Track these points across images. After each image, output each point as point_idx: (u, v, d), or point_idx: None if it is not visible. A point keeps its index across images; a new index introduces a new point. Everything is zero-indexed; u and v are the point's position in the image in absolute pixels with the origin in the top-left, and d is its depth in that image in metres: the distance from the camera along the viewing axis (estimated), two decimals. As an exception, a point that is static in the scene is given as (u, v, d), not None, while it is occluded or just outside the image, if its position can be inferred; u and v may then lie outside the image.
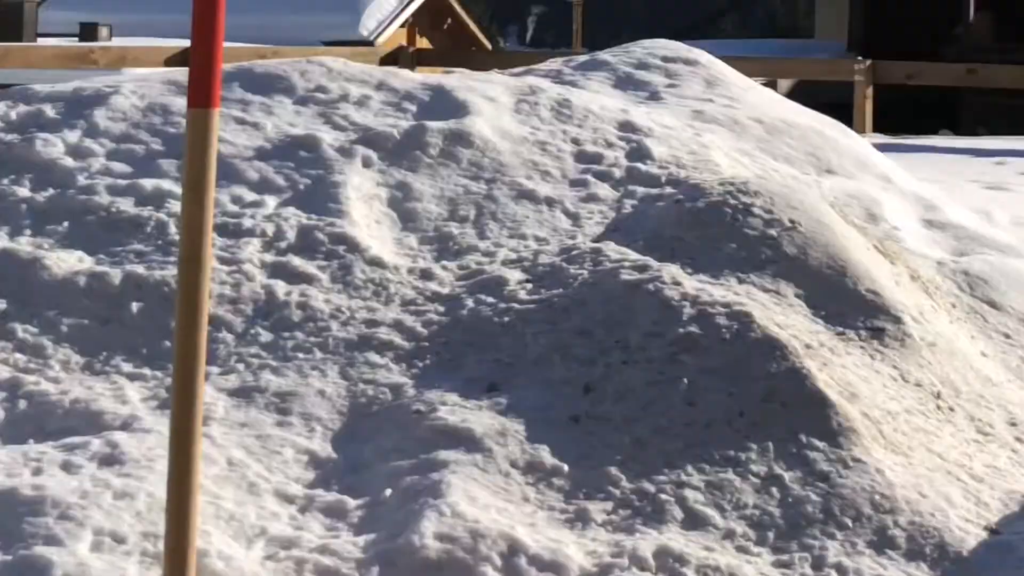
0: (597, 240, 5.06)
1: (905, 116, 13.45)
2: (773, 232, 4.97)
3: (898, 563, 3.78)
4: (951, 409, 4.47)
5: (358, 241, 5.00)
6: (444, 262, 4.98)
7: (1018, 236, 6.22)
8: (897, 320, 4.71)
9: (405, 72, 6.30)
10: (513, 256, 5.00)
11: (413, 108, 5.89)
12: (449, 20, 33.50)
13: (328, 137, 5.55)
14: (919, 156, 9.15)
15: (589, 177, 5.54)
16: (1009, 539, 3.86)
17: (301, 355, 4.53)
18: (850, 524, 3.89)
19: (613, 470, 4.06)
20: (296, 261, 4.90)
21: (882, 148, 7.19)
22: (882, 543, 3.84)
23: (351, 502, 3.95)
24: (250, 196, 5.24)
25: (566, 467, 4.07)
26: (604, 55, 7.36)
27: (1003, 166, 9.07)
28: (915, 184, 6.44)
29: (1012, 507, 4.01)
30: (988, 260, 5.50)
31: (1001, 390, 4.70)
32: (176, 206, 5.02)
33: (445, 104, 5.89)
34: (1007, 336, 5.11)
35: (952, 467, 4.16)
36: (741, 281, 4.79)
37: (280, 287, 4.78)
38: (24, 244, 4.95)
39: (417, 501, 3.86)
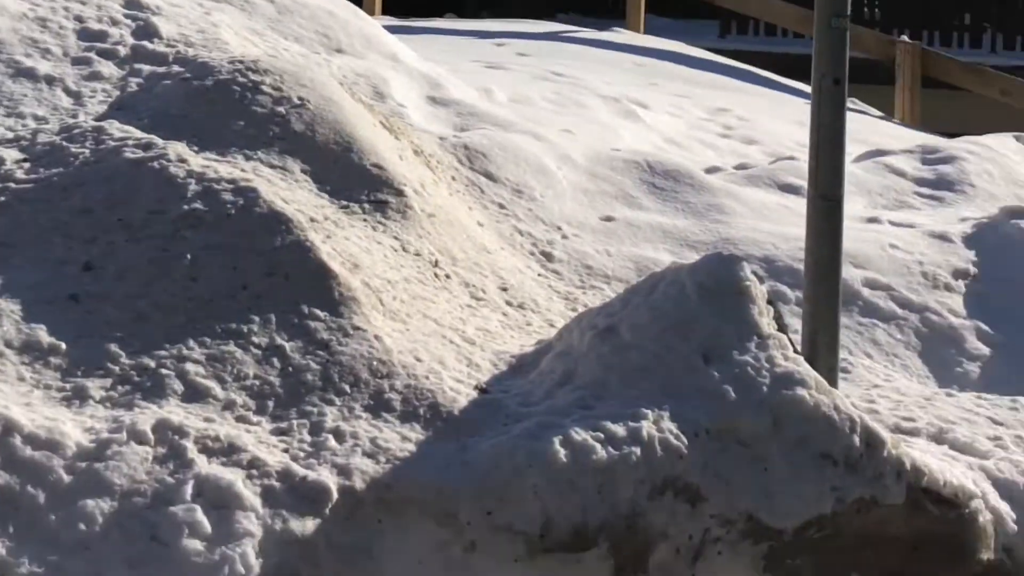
0: (100, 119, 4.97)
1: (415, 1, 13.67)
2: (282, 109, 5.00)
3: (393, 424, 3.92)
4: (448, 277, 4.65)
5: None
6: (-66, 141, 4.79)
7: (515, 112, 6.47)
8: (400, 193, 4.84)
9: None
10: (10, 135, 4.85)
11: (-100, -20, 5.59)
12: None
13: None
14: (427, 37, 9.30)
15: (93, 55, 5.43)
16: (497, 397, 4.05)
17: None
18: (348, 390, 4.00)
19: (113, 347, 4.03)
20: None
21: (392, 30, 7.30)
22: (379, 406, 3.97)
23: None
24: None
25: (64, 345, 4.01)
26: (110, -69, 7.15)
27: (503, 47, 9.32)
28: (421, 63, 6.59)
29: (501, 367, 4.22)
30: (487, 135, 5.70)
31: (495, 257, 4.91)
32: None
33: (-67, -24, 5.61)
34: (502, 206, 5.33)
35: (447, 331, 4.33)
36: (248, 158, 4.80)
37: None
38: None
39: (-97, 386, 3.74)
